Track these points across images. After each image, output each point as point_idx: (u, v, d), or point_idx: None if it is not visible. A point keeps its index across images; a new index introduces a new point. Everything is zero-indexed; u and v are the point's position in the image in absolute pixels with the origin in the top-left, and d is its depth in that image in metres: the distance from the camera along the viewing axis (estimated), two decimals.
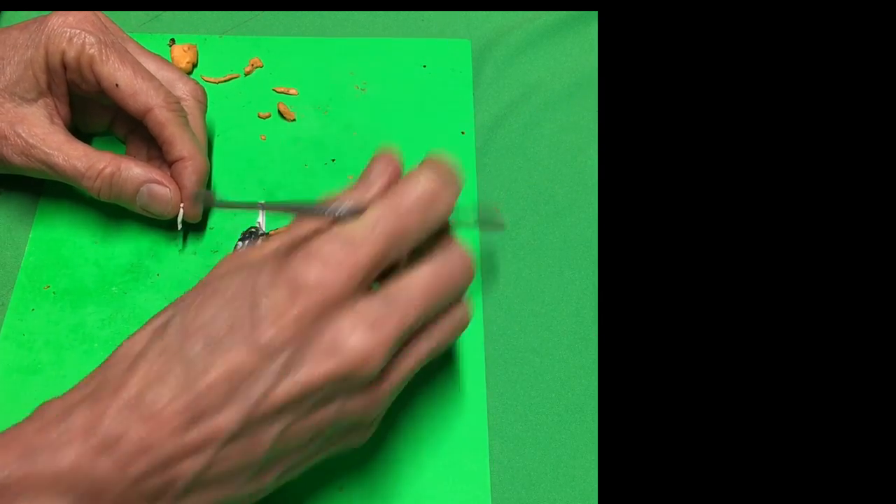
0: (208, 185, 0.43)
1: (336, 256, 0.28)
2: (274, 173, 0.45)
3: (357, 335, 0.27)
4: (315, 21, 0.51)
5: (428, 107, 0.48)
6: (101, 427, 0.27)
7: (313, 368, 0.27)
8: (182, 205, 0.41)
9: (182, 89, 0.42)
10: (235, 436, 0.27)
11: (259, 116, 0.47)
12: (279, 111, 0.47)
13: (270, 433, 0.28)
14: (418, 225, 0.29)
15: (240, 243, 0.42)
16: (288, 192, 0.44)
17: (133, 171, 0.40)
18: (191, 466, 0.27)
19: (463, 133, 0.47)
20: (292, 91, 0.48)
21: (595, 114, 0.48)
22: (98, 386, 0.28)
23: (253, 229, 0.43)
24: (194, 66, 0.49)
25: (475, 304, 0.41)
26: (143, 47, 0.42)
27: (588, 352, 0.40)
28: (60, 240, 0.43)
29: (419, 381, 0.39)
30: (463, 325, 0.32)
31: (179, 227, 0.41)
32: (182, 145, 0.40)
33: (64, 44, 0.39)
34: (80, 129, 0.45)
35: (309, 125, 0.47)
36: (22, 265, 0.42)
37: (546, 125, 0.48)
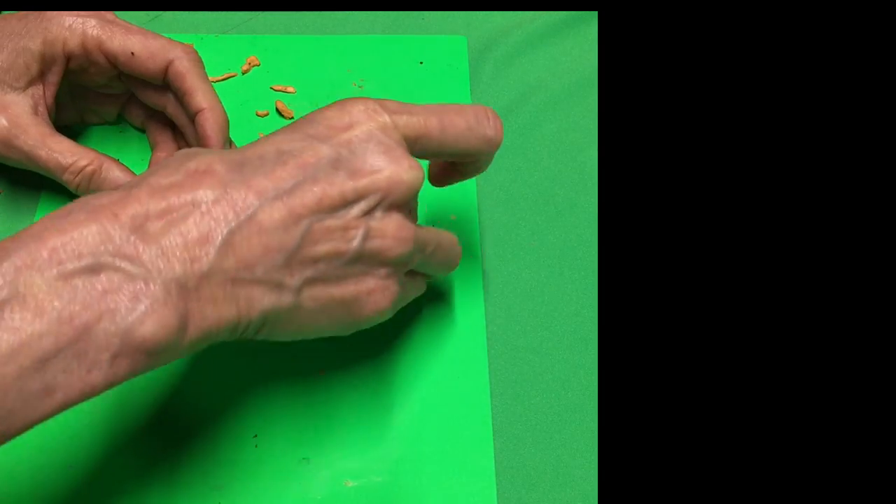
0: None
1: (392, 107, 0.32)
2: None
3: (397, 162, 0.31)
4: (315, 21, 0.51)
5: (425, 103, 0.48)
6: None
7: (365, 177, 0.30)
8: None
9: (179, 50, 0.42)
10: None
11: (257, 115, 0.47)
12: (277, 109, 0.47)
13: (314, 223, 0.29)
14: (472, 138, 0.34)
15: None
16: None
17: (114, 172, 0.40)
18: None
19: None
20: (290, 89, 0.48)
21: (595, 114, 0.48)
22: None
23: None
24: None
25: (477, 307, 0.41)
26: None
27: (588, 352, 0.41)
28: None
29: (423, 381, 0.39)
30: (456, 249, 0.37)
31: None
32: (203, 95, 0.40)
33: (65, 32, 0.39)
34: (85, 121, 0.45)
35: None
36: None
37: (546, 125, 0.48)
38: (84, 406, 0.37)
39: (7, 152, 0.39)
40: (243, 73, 0.49)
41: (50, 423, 0.37)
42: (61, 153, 0.39)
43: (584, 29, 0.52)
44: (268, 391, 0.39)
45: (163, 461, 0.37)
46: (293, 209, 0.29)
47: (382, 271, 0.31)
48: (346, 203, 0.30)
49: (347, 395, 0.39)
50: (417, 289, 0.36)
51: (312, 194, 0.29)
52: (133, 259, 0.26)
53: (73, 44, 0.39)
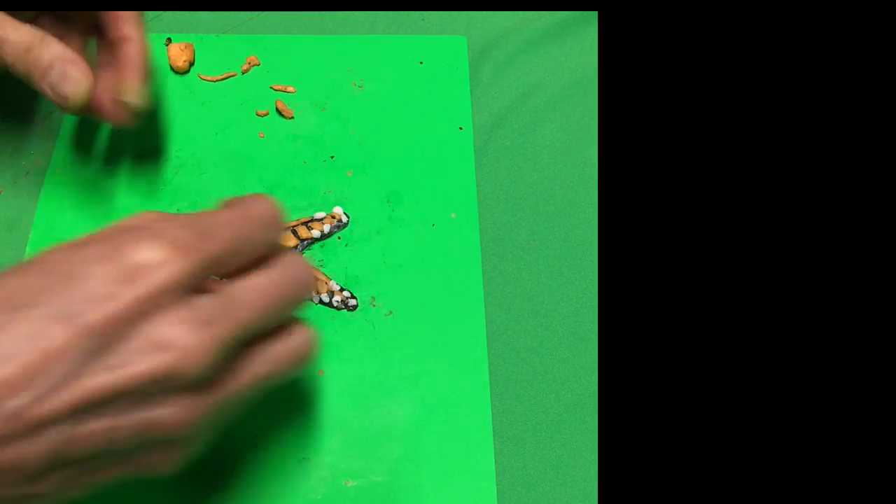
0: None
1: (184, 241, 0.25)
2: (273, 171, 0.45)
3: (189, 331, 0.25)
4: (315, 21, 0.51)
5: (425, 103, 0.48)
6: None
7: (136, 362, 0.24)
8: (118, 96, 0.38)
9: None
10: (32, 427, 0.23)
11: (257, 114, 0.47)
12: (277, 109, 0.47)
13: (68, 431, 0.23)
14: (261, 235, 0.29)
15: None
16: (287, 190, 0.44)
17: (54, 46, 0.37)
18: None
19: (461, 129, 0.47)
20: (290, 89, 0.48)
21: (595, 114, 0.48)
22: None
23: None
24: (191, 64, 0.48)
25: (477, 307, 0.41)
26: None
27: (588, 352, 0.41)
28: (61, 239, 0.42)
29: (423, 381, 0.39)
30: (304, 351, 0.30)
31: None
32: (127, 25, 0.38)
33: None
34: None
35: (307, 122, 0.47)
36: None
37: (546, 125, 0.48)
38: None
39: None
40: (243, 73, 0.49)
41: None
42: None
43: (584, 29, 0.52)
44: (268, 391, 0.39)
45: None
46: (29, 423, 0.23)
47: (172, 448, 0.26)
48: (113, 397, 0.24)
49: (347, 395, 0.39)
50: (272, 374, 0.29)
51: (58, 401, 0.23)
52: None
53: None
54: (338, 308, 0.41)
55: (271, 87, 0.48)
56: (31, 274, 0.25)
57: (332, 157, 0.46)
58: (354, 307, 0.41)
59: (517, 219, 0.45)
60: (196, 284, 0.26)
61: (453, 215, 0.44)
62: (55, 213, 0.43)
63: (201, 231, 0.26)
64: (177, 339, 0.24)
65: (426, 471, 0.37)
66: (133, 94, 0.38)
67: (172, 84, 0.48)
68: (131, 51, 0.38)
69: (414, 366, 0.40)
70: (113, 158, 0.45)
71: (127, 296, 0.24)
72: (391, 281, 0.42)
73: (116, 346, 0.24)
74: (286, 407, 0.38)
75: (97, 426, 0.24)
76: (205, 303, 0.26)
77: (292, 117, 0.47)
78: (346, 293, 0.41)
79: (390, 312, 0.41)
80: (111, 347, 0.24)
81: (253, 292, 0.27)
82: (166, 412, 0.25)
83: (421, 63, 0.50)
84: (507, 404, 0.39)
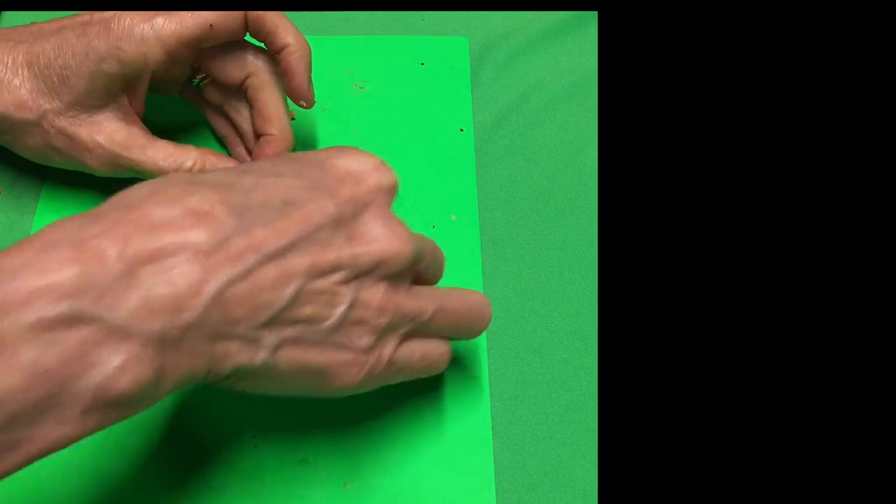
0: None
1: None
2: None
3: (403, 232, 0.31)
4: (315, 21, 0.51)
5: (426, 104, 0.48)
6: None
7: (364, 245, 0.30)
8: None
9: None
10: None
11: None
12: None
13: (303, 284, 0.28)
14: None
15: None
16: None
17: (217, 167, 0.40)
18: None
19: (462, 130, 0.47)
20: None
21: (595, 114, 0.48)
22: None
23: None
24: None
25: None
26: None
27: (588, 352, 0.41)
28: None
29: (421, 381, 0.39)
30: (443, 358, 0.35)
31: None
32: (285, 30, 0.39)
33: (142, 48, 0.37)
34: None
35: (308, 123, 0.47)
36: None
37: (546, 125, 0.48)
38: None
39: (113, 170, 0.40)
40: None
41: None
42: (163, 159, 0.39)
43: (584, 29, 0.52)
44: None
45: (162, 462, 0.37)
46: (288, 269, 0.27)
47: (363, 342, 0.30)
48: (338, 268, 0.29)
49: (346, 397, 0.39)
50: (423, 360, 0.34)
51: (310, 256, 0.28)
52: (114, 308, 0.24)
53: (155, 54, 0.37)
54: None
55: None
56: (293, 168, 0.31)
57: None
58: None
59: (517, 219, 0.45)
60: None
61: (454, 217, 0.44)
62: (55, 214, 0.43)
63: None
64: (386, 238, 0.30)
65: (426, 471, 0.37)
66: (304, 98, 0.41)
67: None
68: (292, 60, 0.40)
69: None
70: None
71: (365, 184, 0.31)
72: None
73: (351, 227, 0.30)
74: (286, 407, 0.38)
75: (321, 286, 0.28)
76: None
77: (293, 118, 0.47)
78: None
79: None
80: (347, 227, 0.30)
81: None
82: (373, 293, 0.30)
83: (422, 64, 0.50)
84: (507, 404, 0.39)
